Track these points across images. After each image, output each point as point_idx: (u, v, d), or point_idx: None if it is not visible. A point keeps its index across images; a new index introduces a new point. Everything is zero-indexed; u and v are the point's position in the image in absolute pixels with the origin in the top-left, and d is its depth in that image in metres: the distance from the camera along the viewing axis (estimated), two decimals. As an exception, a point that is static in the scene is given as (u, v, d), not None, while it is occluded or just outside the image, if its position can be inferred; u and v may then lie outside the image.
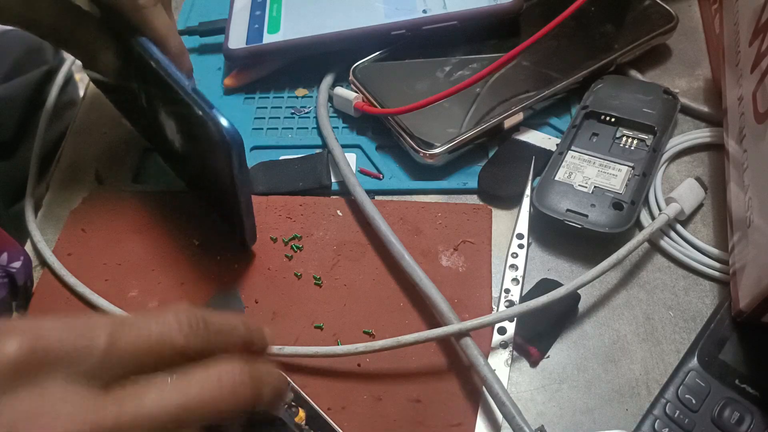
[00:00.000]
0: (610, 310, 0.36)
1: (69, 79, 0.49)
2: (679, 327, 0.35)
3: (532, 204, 0.39)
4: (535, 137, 0.44)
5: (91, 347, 0.21)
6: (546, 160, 0.41)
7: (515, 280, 0.37)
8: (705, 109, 0.44)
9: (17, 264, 0.37)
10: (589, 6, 0.48)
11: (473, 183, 0.42)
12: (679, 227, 0.38)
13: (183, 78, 0.34)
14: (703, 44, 0.49)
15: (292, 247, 0.39)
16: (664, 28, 0.47)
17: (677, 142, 0.42)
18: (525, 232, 0.38)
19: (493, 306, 0.37)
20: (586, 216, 0.38)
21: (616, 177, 0.39)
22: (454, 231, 0.40)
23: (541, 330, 0.35)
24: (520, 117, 0.43)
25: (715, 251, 0.37)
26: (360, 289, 0.38)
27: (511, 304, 0.36)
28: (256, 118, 0.47)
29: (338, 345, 0.35)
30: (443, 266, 0.38)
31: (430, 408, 0.33)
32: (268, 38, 0.47)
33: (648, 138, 0.41)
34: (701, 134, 0.43)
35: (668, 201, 0.39)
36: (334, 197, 0.42)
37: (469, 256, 0.39)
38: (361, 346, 0.33)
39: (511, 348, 0.35)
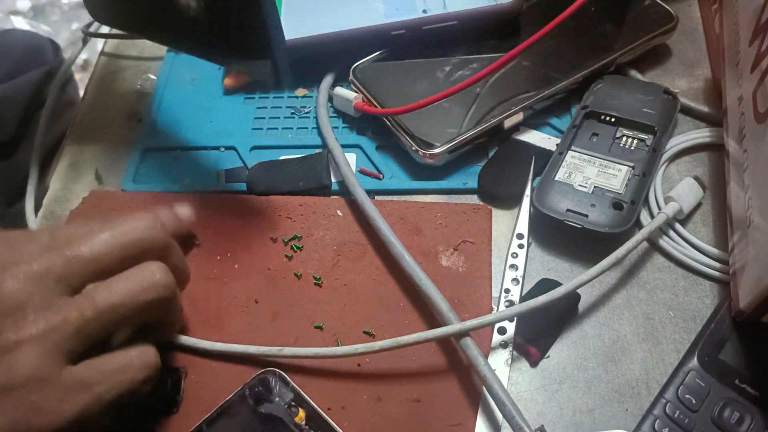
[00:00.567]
0: (610, 310, 0.36)
1: (69, 79, 0.49)
2: (679, 327, 0.35)
3: (532, 204, 0.39)
4: (535, 137, 0.44)
5: (40, 234, 0.31)
6: (546, 160, 0.41)
7: (515, 280, 0.37)
8: (705, 109, 0.44)
9: (17, 264, 0.37)
10: (589, 6, 0.48)
11: (473, 183, 0.42)
12: (678, 227, 0.39)
13: None
14: (703, 44, 0.49)
15: (292, 247, 0.40)
16: (664, 28, 0.47)
17: (677, 142, 0.42)
18: (525, 232, 0.38)
19: (493, 306, 0.37)
20: (586, 216, 0.38)
21: (616, 177, 0.39)
22: (454, 231, 0.40)
23: (541, 330, 0.35)
24: (520, 117, 0.43)
25: (715, 251, 0.37)
26: (360, 289, 0.38)
27: (511, 304, 0.36)
28: (256, 118, 0.47)
29: (338, 345, 0.35)
30: (443, 266, 0.38)
31: (430, 408, 0.33)
32: (268, 38, 0.47)
33: (648, 138, 0.41)
34: (701, 134, 0.43)
35: (667, 200, 0.39)
36: (334, 197, 0.42)
37: (469, 256, 0.39)
38: (361, 347, 0.33)
39: (511, 348, 0.35)
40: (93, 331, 0.28)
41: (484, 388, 0.33)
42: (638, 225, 0.38)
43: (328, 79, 0.47)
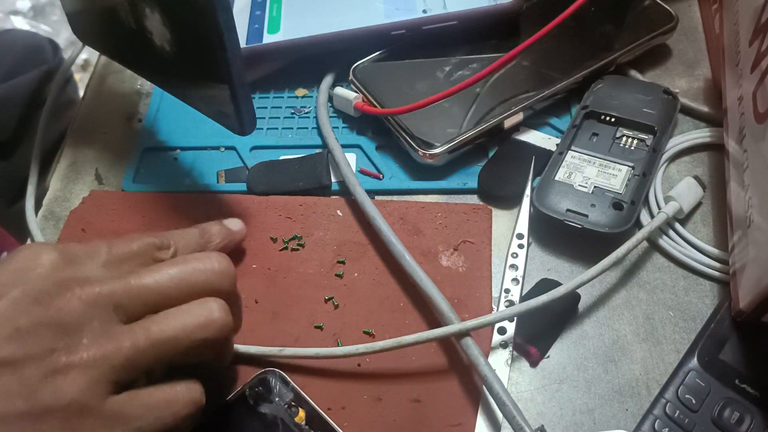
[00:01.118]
0: (610, 310, 0.36)
1: (69, 79, 0.49)
2: (679, 327, 0.35)
3: (532, 204, 0.39)
4: (535, 137, 0.44)
5: (99, 248, 0.30)
6: (546, 160, 0.41)
7: (515, 280, 0.37)
8: (705, 109, 0.44)
9: (17, 264, 0.37)
10: (589, 6, 0.48)
11: (473, 183, 0.42)
12: (678, 227, 0.39)
13: None
14: (703, 44, 0.49)
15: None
16: (664, 28, 0.47)
17: (677, 142, 0.42)
18: (525, 232, 0.38)
19: (493, 306, 0.37)
20: (586, 216, 0.38)
21: (616, 177, 0.39)
22: (454, 231, 0.40)
23: (541, 330, 0.35)
24: (520, 117, 0.43)
25: (715, 251, 0.37)
26: (360, 289, 0.38)
27: (511, 304, 0.36)
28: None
29: (338, 345, 0.35)
30: (443, 266, 0.38)
31: (430, 408, 0.33)
32: (268, 38, 0.47)
33: (648, 138, 0.41)
34: (701, 134, 0.43)
35: (667, 200, 0.39)
36: (334, 197, 0.42)
37: (469, 256, 0.39)
38: (361, 347, 0.33)
39: (511, 348, 0.35)
40: (143, 363, 0.27)
41: (484, 388, 0.33)
42: (638, 225, 0.38)
43: (328, 79, 0.47)
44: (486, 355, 0.33)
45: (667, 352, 0.35)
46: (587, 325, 0.36)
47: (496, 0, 0.46)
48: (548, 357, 0.35)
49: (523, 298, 0.36)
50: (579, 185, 0.39)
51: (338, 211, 0.41)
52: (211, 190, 0.43)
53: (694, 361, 0.33)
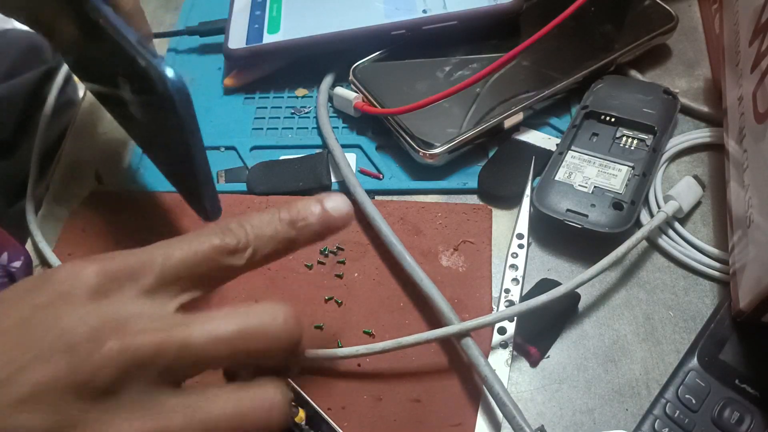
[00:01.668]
0: (610, 310, 0.36)
1: (69, 79, 0.49)
2: (679, 327, 0.35)
3: (532, 204, 0.39)
4: (535, 137, 0.44)
5: (150, 262, 0.24)
6: (546, 160, 0.41)
7: (515, 280, 0.37)
8: (705, 109, 0.44)
9: (18, 263, 0.37)
10: (589, 6, 0.48)
11: (473, 183, 0.42)
12: (678, 226, 0.39)
13: (130, 31, 0.30)
14: (703, 44, 0.49)
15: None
16: (664, 28, 0.47)
17: (677, 142, 0.42)
18: (525, 232, 0.38)
19: (493, 306, 0.37)
20: (586, 216, 0.38)
21: (616, 177, 0.39)
22: (454, 231, 0.40)
23: (541, 330, 0.35)
24: (520, 117, 0.43)
25: (714, 251, 0.37)
26: (360, 289, 0.38)
27: (511, 304, 0.36)
28: (256, 118, 0.47)
29: (338, 345, 0.35)
30: (443, 266, 0.38)
31: (430, 408, 0.33)
32: (268, 38, 0.47)
33: (648, 138, 0.41)
34: (701, 134, 0.43)
35: (666, 199, 0.39)
36: (334, 197, 0.42)
37: (469, 256, 0.39)
38: (362, 348, 0.33)
39: (511, 348, 0.35)
40: None
41: (484, 388, 0.33)
42: (638, 225, 0.38)
43: (328, 79, 0.47)
44: (486, 355, 0.34)
45: (667, 352, 0.35)
46: (587, 325, 0.36)
47: (496, 0, 0.46)
48: (548, 357, 0.35)
49: (523, 298, 0.36)
50: (579, 185, 0.39)
51: (338, 211, 0.41)
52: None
53: (694, 361, 0.33)
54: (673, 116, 0.42)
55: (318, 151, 0.44)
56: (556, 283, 0.36)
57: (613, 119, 0.42)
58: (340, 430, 0.32)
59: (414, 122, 0.42)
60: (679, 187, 0.39)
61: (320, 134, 0.45)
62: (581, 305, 0.36)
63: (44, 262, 0.39)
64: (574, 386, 0.34)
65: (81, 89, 0.50)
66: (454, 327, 0.33)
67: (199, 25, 0.51)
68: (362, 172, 0.43)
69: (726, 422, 0.30)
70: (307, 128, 0.46)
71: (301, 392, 0.33)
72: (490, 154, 0.43)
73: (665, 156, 0.42)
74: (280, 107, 0.47)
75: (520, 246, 0.38)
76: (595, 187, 0.39)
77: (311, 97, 0.48)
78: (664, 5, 0.48)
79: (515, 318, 0.35)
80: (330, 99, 0.47)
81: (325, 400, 0.33)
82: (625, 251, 0.35)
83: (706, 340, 0.33)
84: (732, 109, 0.38)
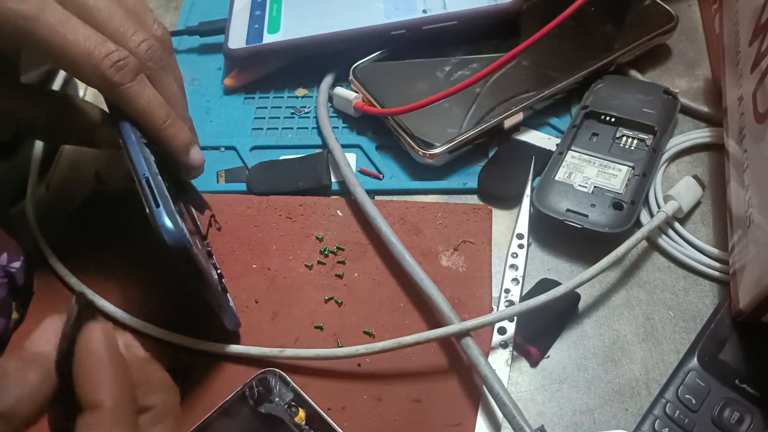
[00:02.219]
0: (610, 310, 0.36)
1: (69, 79, 0.49)
2: (679, 327, 0.35)
3: (532, 204, 0.39)
4: (535, 137, 0.44)
5: None
6: (546, 160, 0.41)
7: (515, 280, 0.37)
8: (705, 109, 0.44)
9: (17, 264, 0.37)
10: (589, 6, 0.48)
11: (473, 183, 0.42)
12: (678, 226, 0.39)
13: (143, 164, 0.30)
14: (703, 44, 0.49)
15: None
16: (664, 28, 0.47)
17: (677, 142, 0.42)
18: (525, 232, 0.38)
19: (493, 306, 0.37)
20: (586, 216, 0.38)
21: (616, 177, 0.39)
22: (454, 231, 0.40)
23: (541, 330, 0.35)
24: (520, 117, 0.43)
25: (714, 251, 0.37)
26: (360, 289, 0.38)
27: (511, 304, 0.36)
28: (256, 118, 0.47)
29: (338, 345, 0.35)
30: (443, 266, 0.38)
31: (430, 408, 0.33)
32: (268, 38, 0.47)
33: (648, 138, 0.41)
34: (701, 134, 0.43)
35: (666, 199, 0.39)
36: (334, 197, 0.42)
37: (469, 256, 0.39)
38: (362, 348, 0.33)
39: (511, 348, 0.35)
40: None
41: (484, 388, 0.33)
42: (638, 225, 0.38)
43: (328, 79, 0.47)
44: (486, 355, 0.34)
45: (667, 352, 0.35)
46: (587, 325, 0.36)
47: (496, 0, 0.46)
48: (548, 357, 0.35)
49: (523, 298, 0.36)
50: (579, 185, 0.39)
51: (338, 211, 0.41)
52: (211, 190, 0.43)
53: (694, 361, 0.33)
54: (673, 116, 0.42)
55: (318, 151, 0.44)
56: (556, 283, 0.36)
57: (613, 119, 0.42)
58: (340, 430, 0.32)
59: (414, 122, 0.42)
60: (678, 187, 0.39)
61: (320, 134, 0.45)
62: (581, 305, 0.36)
63: (44, 263, 0.39)
64: (574, 386, 0.34)
65: (81, 89, 0.50)
66: (454, 327, 0.33)
67: (199, 25, 0.51)
68: (362, 172, 0.43)
69: (726, 422, 0.30)
70: (307, 128, 0.46)
71: (301, 392, 0.33)
72: (490, 154, 0.43)
73: (665, 156, 0.42)
74: (280, 107, 0.47)
75: (520, 246, 0.38)
76: (595, 187, 0.39)
77: (311, 97, 0.48)
78: (664, 5, 0.48)
79: (515, 318, 0.35)
80: (330, 99, 0.47)
81: (325, 400, 0.33)
82: (625, 251, 0.35)
83: (706, 340, 0.33)
84: (732, 109, 0.38)
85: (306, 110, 0.47)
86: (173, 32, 0.51)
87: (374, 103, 0.44)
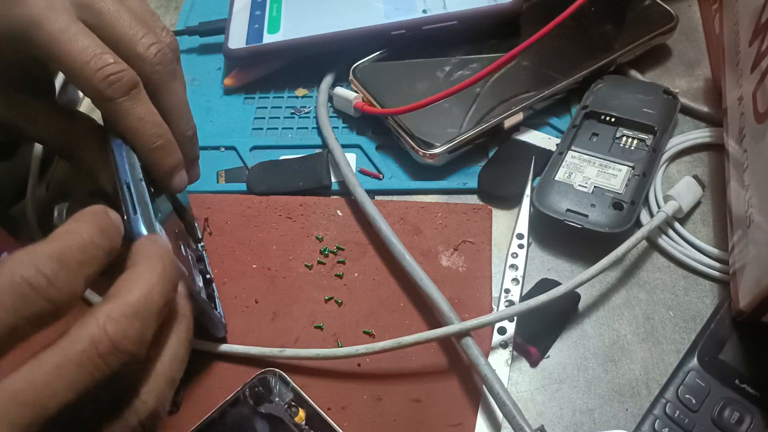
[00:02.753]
0: (610, 310, 0.36)
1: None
2: (679, 327, 0.35)
3: (532, 204, 0.39)
4: (535, 137, 0.44)
5: None
6: (546, 160, 0.41)
7: (515, 280, 0.37)
8: (705, 109, 0.44)
9: (17, 264, 0.37)
10: (589, 6, 0.48)
11: (473, 183, 0.42)
12: (678, 226, 0.39)
13: (125, 169, 0.30)
14: (703, 44, 0.49)
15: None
16: (664, 28, 0.47)
17: (677, 142, 0.42)
18: (525, 232, 0.38)
19: (493, 306, 0.37)
20: (586, 216, 0.38)
21: (616, 177, 0.39)
22: (454, 231, 0.40)
23: (541, 330, 0.35)
24: (520, 117, 0.43)
25: (714, 251, 0.37)
26: (360, 289, 0.38)
27: (511, 303, 0.36)
28: (256, 118, 0.47)
29: (338, 345, 0.35)
30: (443, 266, 0.38)
31: (430, 408, 0.33)
32: (268, 38, 0.47)
33: (648, 138, 0.41)
34: (701, 134, 0.43)
35: (666, 199, 0.39)
36: (334, 197, 0.42)
37: (469, 256, 0.39)
38: (362, 348, 0.33)
39: (511, 348, 0.35)
40: None
41: (484, 388, 0.33)
42: (638, 225, 0.38)
43: (328, 79, 0.47)
44: (486, 355, 0.33)
45: (667, 352, 0.35)
46: (587, 325, 0.36)
47: (496, 0, 0.46)
48: (548, 357, 0.35)
49: (523, 298, 0.36)
50: (579, 185, 0.39)
51: (338, 211, 0.41)
52: (211, 190, 0.43)
53: (694, 361, 0.33)
54: (673, 116, 0.42)
55: (318, 151, 0.44)
56: (556, 283, 0.36)
57: (613, 119, 0.42)
58: (340, 430, 0.32)
59: (414, 122, 0.42)
60: (678, 187, 0.39)
61: (320, 134, 0.45)
62: (581, 305, 0.36)
63: (44, 262, 0.39)
64: (574, 386, 0.34)
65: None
66: (454, 327, 0.33)
67: (199, 25, 0.51)
68: (362, 172, 0.43)
69: (726, 422, 0.30)
70: (307, 128, 0.46)
71: (301, 392, 0.33)
72: (490, 154, 0.43)
73: (665, 156, 0.42)
74: (280, 107, 0.47)
75: (520, 246, 0.38)
76: (595, 187, 0.39)
77: (311, 97, 0.48)
78: (664, 5, 0.48)
79: (515, 318, 0.35)
80: (330, 99, 0.47)
81: (325, 400, 0.33)
82: (625, 251, 0.35)
83: (706, 340, 0.33)
84: (732, 109, 0.38)
85: (306, 110, 0.47)
86: (173, 32, 0.51)
87: (374, 103, 0.44)
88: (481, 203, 0.41)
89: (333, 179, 0.42)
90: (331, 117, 0.46)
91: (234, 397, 0.33)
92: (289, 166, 0.43)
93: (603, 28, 0.47)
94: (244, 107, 0.48)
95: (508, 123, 0.43)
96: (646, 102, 0.42)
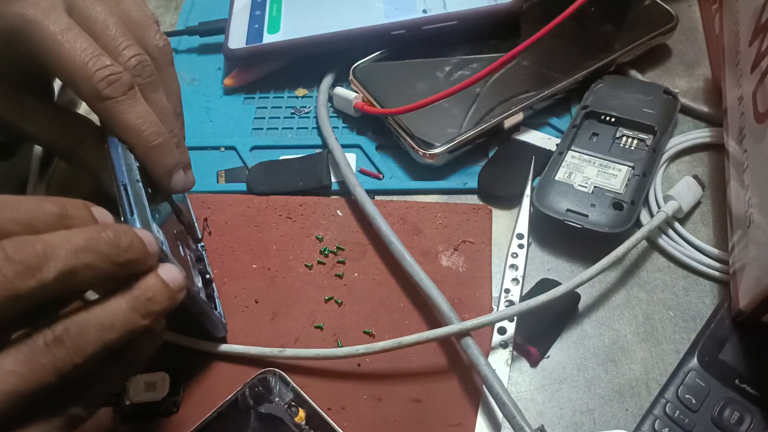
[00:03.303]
0: (610, 310, 0.36)
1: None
2: (679, 327, 0.35)
3: (532, 204, 0.39)
4: (535, 137, 0.44)
5: None
6: (546, 160, 0.41)
7: (515, 280, 0.37)
8: (705, 109, 0.44)
9: (17, 264, 0.37)
10: (589, 6, 0.48)
11: (473, 183, 0.42)
12: (678, 226, 0.39)
13: (123, 170, 0.30)
14: (703, 44, 0.49)
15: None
16: (664, 28, 0.47)
17: (677, 142, 0.42)
18: (525, 232, 0.38)
19: (493, 306, 0.37)
20: (586, 216, 0.38)
21: (616, 177, 0.39)
22: (454, 231, 0.40)
23: (541, 330, 0.35)
24: (520, 117, 0.43)
25: (714, 251, 0.37)
26: (360, 289, 0.38)
27: (511, 303, 0.36)
28: (256, 118, 0.47)
29: (338, 345, 0.35)
30: (443, 266, 0.38)
31: (430, 408, 0.33)
32: (268, 38, 0.47)
33: (648, 138, 0.41)
34: (701, 134, 0.43)
35: (666, 199, 0.39)
36: (334, 197, 0.42)
37: (469, 256, 0.39)
38: (362, 348, 0.33)
39: (511, 348, 0.35)
40: None
41: (484, 388, 0.33)
42: (638, 225, 0.38)
43: (328, 79, 0.47)
44: (486, 355, 0.33)
45: (667, 352, 0.35)
46: (587, 325, 0.36)
47: (496, 0, 0.46)
48: (548, 357, 0.35)
49: (523, 298, 0.36)
50: (579, 185, 0.39)
51: (338, 211, 0.41)
52: (211, 190, 0.43)
53: (694, 361, 0.33)
54: (673, 116, 0.42)
55: (318, 151, 0.44)
56: (556, 283, 0.36)
57: (613, 119, 0.42)
58: (340, 430, 0.32)
59: (414, 122, 0.42)
60: (678, 187, 0.39)
61: (320, 134, 0.45)
62: (581, 305, 0.36)
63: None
64: (574, 386, 0.34)
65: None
66: (454, 327, 0.33)
67: (199, 25, 0.51)
68: (362, 172, 0.43)
69: (726, 422, 0.30)
70: (307, 128, 0.46)
71: (301, 392, 0.33)
72: (490, 154, 0.43)
73: (665, 156, 0.42)
74: (280, 107, 0.47)
75: (520, 246, 0.38)
76: (595, 187, 0.39)
77: (311, 97, 0.48)
78: (664, 5, 0.48)
79: (515, 318, 0.35)
80: (330, 99, 0.47)
81: (325, 400, 0.33)
82: (625, 251, 0.35)
83: (706, 340, 0.33)
84: (732, 109, 0.38)
85: (306, 110, 0.47)
86: (173, 32, 0.51)
87: (374, 103, 0.44)
88: (481, 203, 0.41)
89: (333, 179, 0.42)
90: (331, 117, 0.46)
91: (234, 397, 0.33)
92: (289, 166, 0.43)
93: (603, 28, 0.47)
94: (244, 107, 0.48)
95: (508, 123, 0.43)
96: (646, 102, 0.42)
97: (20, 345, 0.22)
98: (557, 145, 0.42)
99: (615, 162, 0.40)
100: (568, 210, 0.38)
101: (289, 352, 0.34)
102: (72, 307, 0.23)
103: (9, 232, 0.22)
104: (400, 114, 0.42)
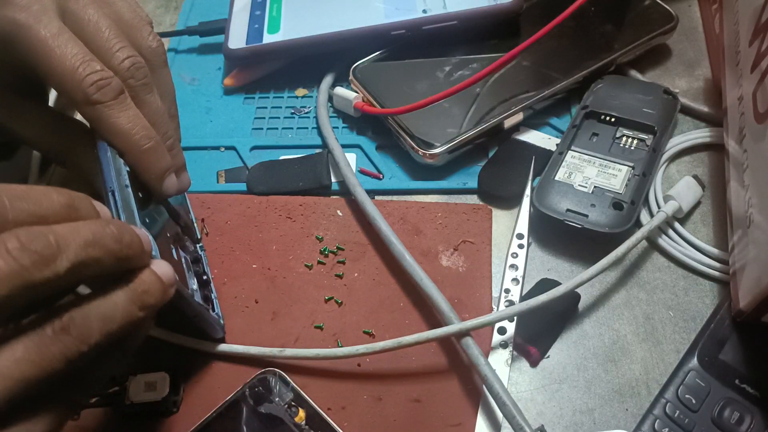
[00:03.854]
0: (610, 310, 0.36)
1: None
2: (679, 327, 0.35)
3: (532, 204, 0.39)
4: (535, 137, 0.44)
5: None
6: (546, 160, 0.41)
7: (515, 280, 0.37)
8: (705, 109, 0.44)
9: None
10: (589, 6, 0.48)
11: (473, 183, 0.42)
12: (678, 226, 0.39)
13: (111, 176, 0.29)
14: (703, 44, 0.49)
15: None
16: (664, 28, 0.47)
17: (677, 142, 0.42)
18: (525, 232, 0.38)
19: (493, 306, 0.37)
20: (586, 216, 0.38)
21: (616, 177, 0.39)
22: (454, 231, 0.40)
23: (541, 330, 0.35)
24: (520, 117, 0.43)
25: (714, 251, 0.37)
26: (360, 289, 0.38)
27: (511, 303, 0.36)
28: (256, 118, 0.47)
29: (338, 345, 0.35)
30: (443, 266, 0.38)
31: (430, 408, 0.33)
32: (268, 38, 0.47)
33: (648, 138, 0.41)
34: (701, 134, 0.43)
35: (666, 199, 0.39)
36: (334, 197, 0.42)
37: (469, 256, 0.39)
38: (362, 348, 0.33)
39: (511, 348, 0.35)
40: None
41: (484, 388, 0.33)
42: (638, 225, 0.38)
43: (328, 79, 0.47)
44: (486, 355, 0.34)
45: (667, 352, 0.35)
46: (587, 325, 0.36)
47: (496, 0, 0.46)
48: (548, 357, 0.35)
49: (523, 298, 0.36)
50: (579, 185, 0.39)
51: (338, 211, 0.41)
52: (211, 190, 0.43)
53: (694, 361, 0.33)
54: (673, 116, 0.42)
55: (318, 151, 0.44)
56: (556, 283, 0.36)
57: (613, 119, 0.42)
58: (340, 430, 0.32)
59: (414, 122, 0.42)
60: (678, 187, 0.39)
61: (320, 134, 0.45)
62: (581, 305, 0.36)
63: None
64: (574, 386, 0.34)
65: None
66: (454, 327, 0.33)
67: (199, 25, 0.51)
68: (362, 172, 0.43)
69: (726, 422, 0.30)
70: (307, 128, 0.46)
71: (301, 392, 0.33)
72: (490, 154, 0.43)
73: (665, 156, 0.42)
74: (280, 107, 0.47)
75: (520, 246, 0.38)
76: (595, 187, 0.39)
77: (311, 97, 0.48)
78: (664, 5, 0.48)
79: (515, 318, 0.35)
80: (330, 99, 0.47)
81: (325, 400, 0.33)
82: (625, 251, 0.35)
83: (706, 340, 0.33)
84: (732, 109, 0.38)
85: (306, 110, 0.47)
86: (173, 32, 0.51)
87: (374, 103, 0.44)
88: (481, 203, 0.41)
89: (333, 179, 0.42)
90: (331, 117, 0.46)
91: (234, 397, 0.33)
92: (289, 166, 0.43)
93: (603, 28, 0.47)
94: (244, 107, 0.48)
95: (508, 123, 0.43)
96: (646, 102, 0.42)
97: (30, 333, 0.22)
98: (557, 145, 0.42)
99: (615, 162, 0.40)
100: (568, 210, 0.38)
101: (289, 352, 0.34)
102: (66, 300, 0.24)
103: (21, 221, 0.22)
104: (400, 114, 0.42)
